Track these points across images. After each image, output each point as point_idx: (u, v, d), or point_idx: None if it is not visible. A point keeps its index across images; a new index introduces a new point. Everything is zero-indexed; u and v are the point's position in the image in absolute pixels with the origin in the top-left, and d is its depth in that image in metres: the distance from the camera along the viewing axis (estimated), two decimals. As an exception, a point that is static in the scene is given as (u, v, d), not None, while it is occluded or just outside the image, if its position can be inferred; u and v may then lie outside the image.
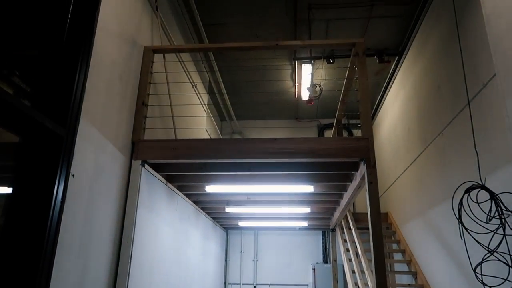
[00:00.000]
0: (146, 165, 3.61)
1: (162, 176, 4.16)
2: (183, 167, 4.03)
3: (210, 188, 4.66)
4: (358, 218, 6.60)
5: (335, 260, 7.15)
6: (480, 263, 2.87)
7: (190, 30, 5.40)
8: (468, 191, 3.03)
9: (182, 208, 4.99)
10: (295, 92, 7.30)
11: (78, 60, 2.84)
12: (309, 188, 4.48)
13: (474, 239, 2.95)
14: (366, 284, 5.03)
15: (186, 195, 5.15)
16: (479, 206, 2.95)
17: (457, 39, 3.90)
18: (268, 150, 3.44)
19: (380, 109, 7.55)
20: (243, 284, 8.33)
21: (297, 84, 6.94)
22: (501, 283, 2.87)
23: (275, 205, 5.61)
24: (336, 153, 3.38)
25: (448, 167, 4.15)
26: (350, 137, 3.47)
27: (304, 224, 7.20)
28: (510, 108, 2.30)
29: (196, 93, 6.01)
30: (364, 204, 7.94)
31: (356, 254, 5.58)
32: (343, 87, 4.39)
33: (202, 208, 6.14)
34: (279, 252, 8.47)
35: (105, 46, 3.12)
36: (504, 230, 2.73)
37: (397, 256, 6.49)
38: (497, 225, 2.82)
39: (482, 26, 3.40)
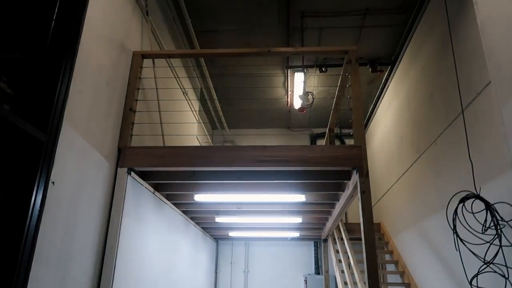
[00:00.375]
0: (132, 173, 3.50)
1: (150, 184, 4.04)
2: (171, 175, 3.92)
3: (199, 197, 4.54)
4: (351, 229, 6.51)
5: (327, 271, 7.03)
6: (476, 275, 2.79)
7: (182, 36, 5.34)
8: (462, 200, 2.96)
9: (170, 217, 4.86)
10: (288, 100, 7.25)
11: (62, 63, 2.74)
12: (300, 198, 4.39)
13: (470, 250, 2.87)
14: (359, 297, 4.92)
15: (175, 205, 5.02)
16: (474, 216, 2.88)
17: (450, 48, 3.87)
18: (258, 158, 3.35)
19: (372, 118, 7.52)
20: (233, 296, 8.16)
21: (289, 93, 6.89)
22: (497, 296, 2.78)
23: (266, 215, 5.51)
24: (328, 161, 3.30)
25: (442, 177, 4.09)
26: (342, 145, 3.40)
27: (296, 234, 7.09)
28: (505, 116, 2.24)
29: (187, 100, 5.92)
30: (356, 214, 7.86)
31: (349, 265, 5.47)
32: (335, 95, 4.33)
33: (192, 218, 6.01)
34: (270, 263, 8.33)
35: (92, 50, 3.03)
36: (500, 241, 2.66)
37: (390, 267, 6.39)
38: (493, 236, 2.75)
39: (475, 34, 3.37)
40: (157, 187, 4.23)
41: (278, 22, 5.30)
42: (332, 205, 4.89)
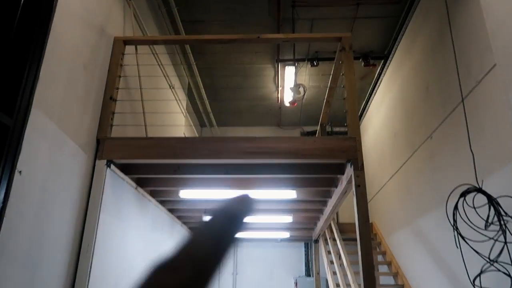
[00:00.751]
0: (112, 166, 3.26)
1: (132, 179, 3.80)
2: (155, 169, 3.68)
3: (185, 194, 4.32)
4: (342, 229, 6.32)
5: (318, 273, 6.84)
6: (479, 275, 2.61)
7: (168, 26, 5.11)
8: (463, 195, 2.79)
9: (155, 216, 4.62)
10: (278, 97, 7.06)
11: (30, 43, 2.51)
12: (291, 194, 4.19)
13: (471, 247, 2.70)
14: (351, 298, 4.73)
15: (160, 202, 4.78)
16: (476, 211, 2.70)
17: (447, 37, 3.72)
18: (247, 150, 3.14)
19: (364, 115, 7.37)
20: (221, 298, 7.91)
21: (279, 88, 6.70)
22: (500, 296, 2.61)
23: (256, 213, 5.29)
24: (321, 153, 3.10)
25: (439, 172, 3.93)
26: (335, 137, 3.22)
27: (286, 235, 6.89)
28: (513, 101, 2.08)
29: (174, 94, 5.69)
30: (347, 214, 7.67)
31: (341, 266, 5.28)
32: (328, 85, 4.15)
33: (178, 217, 5.77)
34: (260, 265, 8.10)
35: (68, 31, 2.79)
36: (505, 237, 2.49)
37: (383, 268, 6.22)
38: (496, 232, 2.58)
39: (473, 20, 3.21)
40: (140, 182, 3.98)
41: (268, 13, 5.11)
42: (324, 203, 4.69)
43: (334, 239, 5.60)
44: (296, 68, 5.96)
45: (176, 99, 5.64)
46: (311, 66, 5.95)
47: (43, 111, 2.46)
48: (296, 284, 7.60)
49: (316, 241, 6.93)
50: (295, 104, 6.08)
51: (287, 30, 5.39)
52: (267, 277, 8.00)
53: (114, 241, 3.38)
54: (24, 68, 2.43)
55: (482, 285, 2.64)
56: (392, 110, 5.64)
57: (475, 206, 2.74)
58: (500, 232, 2.54)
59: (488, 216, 2.64)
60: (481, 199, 2.72)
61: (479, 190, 2.71)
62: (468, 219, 2.75)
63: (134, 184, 3.83)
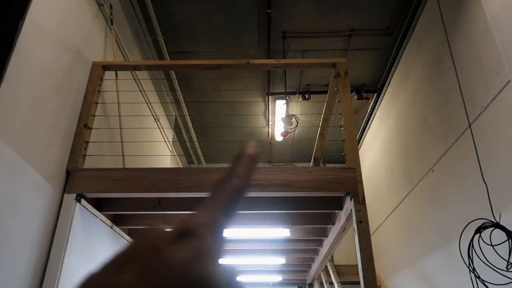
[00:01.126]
0: (83, 200, 2.89)
1: (107, 216, 3.42)
2: (133, 204, 3.31)
3: (167, 233, 3.90)
4: (338, 271, 5.88)
5: (313, 321, 6.29)
6: (504, 324, 2.25)
7: (154, 56, 4.91)
8: (479, 231, 2.47)
9: (134, 258, 4.17)
10: (268, 132, 6.82)
11: (-8, 58, 2.24)
12: (284, 232, 3.82)
13: (492, 292, 2.35)
14: None
15: (140, 243, 4.34)
16: (494, 250, 2.38)
17: (445, 63, 3.55)
18: (235, 182, 2.81)
19: (358, 151, 7.13)
20: None
21: (270, 123, 6.47)
22: None
23: (245, 255, 4.87)
24: (317, 185, 2.79)
25: (443, 208, 3.62)
26: (333, 167, 2.91)
27: (278, 278, 6.39)
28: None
29: (159, 128, 5.41)
30: (343, 255, 7.23)
31: (338, 313, 4.82)
32: (322, 116, 3.92)
33: (161, 260, 5.28)
34: (250, 312, 7.49)
35: (38, 50, 2.54)
36: (531, 279, 2.16)
37: (383, 315, 5.73)
38: (520, 273, 2.25)
39: (474, 45, 3.04)
40: (116, 220, 3.59)
41: (258, 44, 4.96)
42: (320, 243, 4.32)
43: (331, 283, 5.16)
44: (287, 101, 5.77)
45: (161, 132, 5.35)
46: (302, 99, 5.77)
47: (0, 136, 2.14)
48: (289, 333, 6.99)
49: (311, 284, 6.43)
50: (287, 136, 5.83)
51: (278, 58, 5.23)
52: (257, 326, 7.37)
53: (83, 288, 2.95)
54: (-21, 86, 2.14)
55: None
56: (387, 144, 5.41)
57: (493, 243, 2.42)
58: (525, 273, 2.21)
59: (510, 254, 2.32)
60: (499, 236, 2.41)
61: (497, 225, 2.40)
62: (486, 258, 2.42)
63: (109, 222, 3.44)
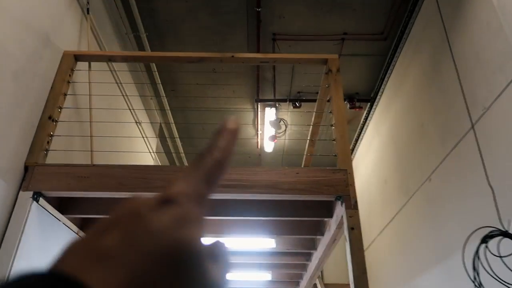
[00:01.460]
0: (41, 200, 2.56)
1: (73, 220, 3.07)
2: (104, 206, 2.98)
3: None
4: (328, 291, 5.53)
5: None
6: None
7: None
8: (485, 240, 2.20)
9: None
10: (258, 142, 6.54)
11: None
12: (269, 243, 3.50)
13: (501, 309, 2.06)
14: None
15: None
16: (503, 261, 2.10)
17: (444, 66, 3.34)
18: (213, 182, 2.52)
19: (350, 165, 6.87)
20: None
21: (259, 133, 6.21)
22: None
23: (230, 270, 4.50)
24: (305, 187, 2.51)
25: (442, 218, 3.35)
26: (323, 169, 2.63)
27: (264, 298, 6.00)
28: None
29: (143, 136, 5.12)
30: (333, 273, 6.87)
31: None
32: (312, 120, 3.66)
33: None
34: (234, 334, 7.03)
35: (-6, 26, 2.27)
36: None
37: (375, 339, 5.36)
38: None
39: (476, 41, 2.84)
40: (84, 225, 3.25)
41: (247, 47, 4.74)
42: (308, 256, 3.99)
43: (320, 303, 4.80)
44: (277, 109, 5.53)
45: (145, 141, 5.06)
46: (293, 107, 5.53)
47: None
48: None
49: (299, 306, 6.05)
50: (275, 141, 5.56)
51: (267, 67, 5.02)
52: None
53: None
54: None
55: None
56: (381, 155, 5.16)
57: (501, 254, 2.14)
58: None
59: (522, 266, 2.03)
60: (508, 245, 2.13)
61: (505, 234, 2.13)
62: (493, 271, 2.13)
63: (75, 227, 3.09)
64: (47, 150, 2.70)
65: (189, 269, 0.26)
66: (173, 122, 6.05)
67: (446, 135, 3.28)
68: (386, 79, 4.85)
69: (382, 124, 5.13)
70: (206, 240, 0.29)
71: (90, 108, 2.99)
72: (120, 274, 0.24)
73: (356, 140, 6.22)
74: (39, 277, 0.22)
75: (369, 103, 5.44)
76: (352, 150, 6.55)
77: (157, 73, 4.90)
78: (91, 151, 2.95)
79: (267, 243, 3.49)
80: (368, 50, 4.72)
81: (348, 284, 2.32)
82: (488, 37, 2.60)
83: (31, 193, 2.47)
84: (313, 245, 3.66)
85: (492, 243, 2.22)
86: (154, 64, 4.79)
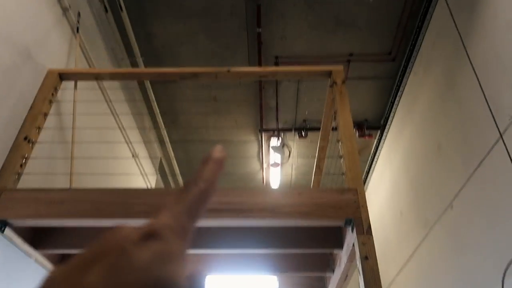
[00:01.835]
0: (8, 230, 2.25)
1: (49, 257, 2.72)
2: (84, 240, 2.63)
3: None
4: None
5: None
6: None
7: (133, 84, 4.48)
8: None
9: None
10: (263, 177, 6.20)
11: None
12: (271, 284, 3.07)
13: None
14: None
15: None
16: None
17: (457, 78, 3.05)
18: (203, 206, 2.19)
19: (362, 200, 6.44)
20: None
21: (264, 166, 5.89)
22: None
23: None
24: (308, 211, 2.15)
25: (470, 250, 2.92)
26: (329, 188, 2.29)
27: None
28: None
29: (139, 166, 4.84)
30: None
31: None
32: (317, 144, 3.36)
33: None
34: None
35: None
36: None
37: None
38: None
39: (496, 46, 2.56)
40: (61, 261, 2.89)
41: (249, 72, 4.54)
42: (318, 298, 3.52)
43: None
44: (282, 139, 5.25)
45: (143, 176, 4.78)
46: (299, 137, 5.24)
47: None
48: None
49: None
50: (278, 166, 5.23)
51: (271, 93, 4.80)
52: None
53: None
54: None
55: None
56: (395, 185, 4.77)
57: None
58: None
59: None
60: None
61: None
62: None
63: (49, 265, 2.73)
64: (19, 174, 2.42)
65: None
66: (173, 157, 5.79)
67: (468, 152, 2.92)
68: (396, 103, 4.57)
69: (394, 151, 4.78)
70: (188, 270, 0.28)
71: (73, 128, 2.74)
72: None
73: (368, 172, 5.85)
74: None
75: (379, 130, 5.13)
76: (364, 182, 6.16)
77: (155, 102, 4.70)
78: (70, 174, 2.65)
79: (268, 283, 3.06)
80: (375, 73, 4.48)
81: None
82: (509, 37, 2.33)
83: (-5, 221, 2.16)
84: (323, 285, 3.22)
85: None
86: (152, 93, 4.61)
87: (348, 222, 2.15)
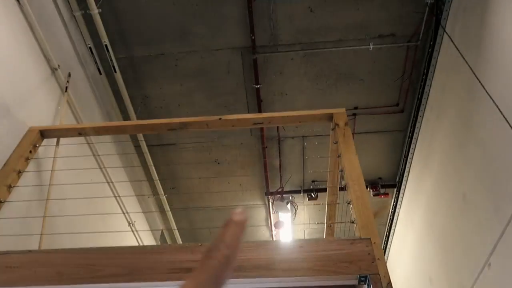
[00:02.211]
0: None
1: None
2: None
3: None
4: None
5: None
6: None
7: (130, 150, 4.30)
8: None
9: None
10: (273, 246, 5.70)
11: None
12: None
13: None
14: None
15: None
16: None
17: (475, 115, 2.77)
18: (185, 265, 1.82)
19: (384, 270, 5.80)
20: None
21: (274, 233, 5.44)
22: None
23: None
24: (313, 267, 1.75)
25: (520, 319, 2.38)
26: (337, 239, 1.91)
27: None
28: None
29: (136, 236, 4.48)
30: None
31: None
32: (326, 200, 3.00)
33: None
34: None
35: None
36: None
37: None
38: None
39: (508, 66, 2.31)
40: None
41: (250, 131, 4.35)
42: None
43: None
44: (291, 203, 4.88)
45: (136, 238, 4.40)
46: (309, 199, 4.87)
47: None
48: None
49: None
50: (281, 228, 4.77)
51: (274, 153, 4.55)
52: None
53: None
54: None
55: None
56: (419, 247, 4.25)
57: None
58: None
59: None
60: None
61: None
62: None
63: None
64: (-20, 236, 2.12)
65: None
66: (175, 228, 5.42)
67: (499, 198, 2.52)
68: (410, 156, 4.24)
69: (414, 210, 4.34)
70: None
71: (50, 185, 2.49)
72: None
73: (387, 236, 5.32)
74: None
75: (395, 189, 4.73)
76: (384, 251, 5.59)
77: (153, 167, 4.47)
78: (41, 234, 2.33)
79: None
80: (384, 126, 4.24)
81: None
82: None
83: None
84: None
85: None
86: (150, 158, 4.41)
87: (363, 278, 1.73)
